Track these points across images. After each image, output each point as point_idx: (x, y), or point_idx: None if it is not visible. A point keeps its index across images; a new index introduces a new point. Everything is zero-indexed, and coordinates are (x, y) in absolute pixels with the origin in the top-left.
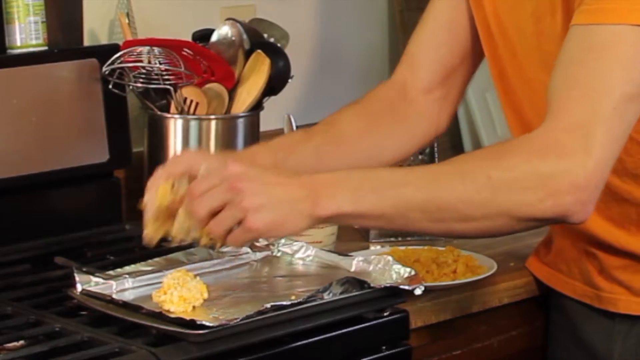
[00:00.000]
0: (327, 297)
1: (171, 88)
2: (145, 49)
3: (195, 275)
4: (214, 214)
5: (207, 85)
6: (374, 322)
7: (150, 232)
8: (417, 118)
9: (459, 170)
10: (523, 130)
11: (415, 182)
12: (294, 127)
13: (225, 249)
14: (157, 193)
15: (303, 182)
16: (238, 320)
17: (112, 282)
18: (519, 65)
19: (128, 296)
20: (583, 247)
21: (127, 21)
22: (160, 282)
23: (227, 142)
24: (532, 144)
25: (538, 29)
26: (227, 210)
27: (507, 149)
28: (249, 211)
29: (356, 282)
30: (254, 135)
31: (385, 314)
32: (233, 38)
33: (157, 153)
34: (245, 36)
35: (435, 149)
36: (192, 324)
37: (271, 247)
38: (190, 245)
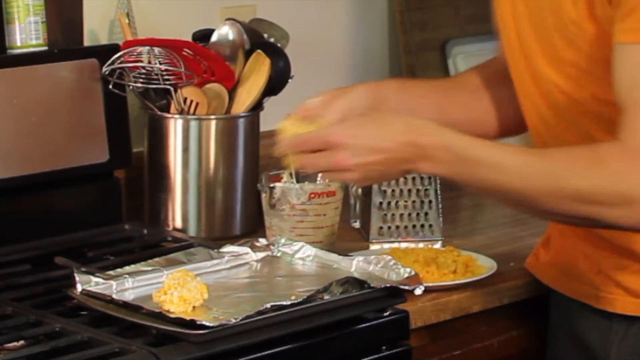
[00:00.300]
0: (327, 297)
1: (171, 88)
2: (145, 49)
3: (196, 276)
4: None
5: (207, 85)
6: (374, 322)
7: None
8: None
9: (551, 173)
10: (540, 128)
11: (509, 174)
12: None
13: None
14: (281, 128)
15: (406, 146)
16: (238, 320)
17: (112, 282)
18: (527, 57)
19: (128, 296)
20: (582, 247)
21: (127, 21)
22: (160, 282)
23: (227, 142)
24: (618, 163)
25: (551, 24)
26: (332, 175)
27: (594, 160)
28: (352, 179)
29: (356, 282)
30: (254, 135)
31: (385, 314)
32: (233, 38)
33: (157, 153)
34: (245, 36)
35: None
36: (192, 324)
37: (271, 247)
38: (190, 245)
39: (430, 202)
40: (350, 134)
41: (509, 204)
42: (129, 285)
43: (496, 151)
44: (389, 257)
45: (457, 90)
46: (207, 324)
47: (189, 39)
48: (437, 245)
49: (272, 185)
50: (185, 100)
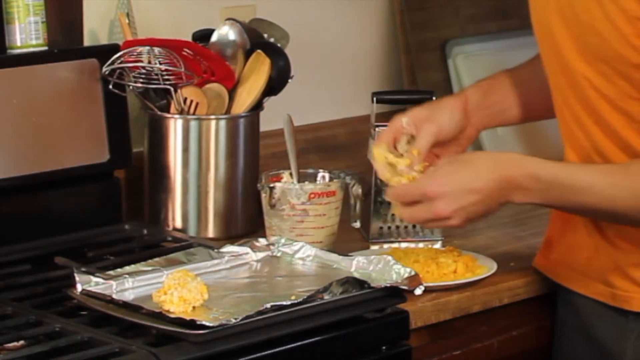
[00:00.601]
0: (327, 297)
1: (171, 88)
2: (145, 49)
3: (196, 276)
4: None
5: (207, 85)
6: (374, 322)
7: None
8: None
9: (636, 191)
10: (569, 120)
11: (597, 195)
12: (294, 127)
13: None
14: (373, 154)
15: (497, 182)
16: (238, 320)
17: (112, 282)
18: (558, 54)
19: (128, 296)
20: (597, 244)
21: (127, 21)
22: (160, 282)
23: (227, 142)
24: None
25: (584, 20)
26: (433, 224)
27: None
28: (453, 225)
29: (356, 282)
30: (254, 136)
31: (385, 314)
32: (233, 38)
33: (157, 153)
34: (245, 36)
35: None
36: (192, 324)
37: (271, 247)
38: (190, 245)
39: None
40: (443, 182)
41: (602, 220)
42: (129, 285)
43: (583, 174)
44: (389, 257)
45: (529, 81)
46: (207, 324)
47: (189, 39)
48: (437, 245)
49: (272, 185)
50: (185, 100)
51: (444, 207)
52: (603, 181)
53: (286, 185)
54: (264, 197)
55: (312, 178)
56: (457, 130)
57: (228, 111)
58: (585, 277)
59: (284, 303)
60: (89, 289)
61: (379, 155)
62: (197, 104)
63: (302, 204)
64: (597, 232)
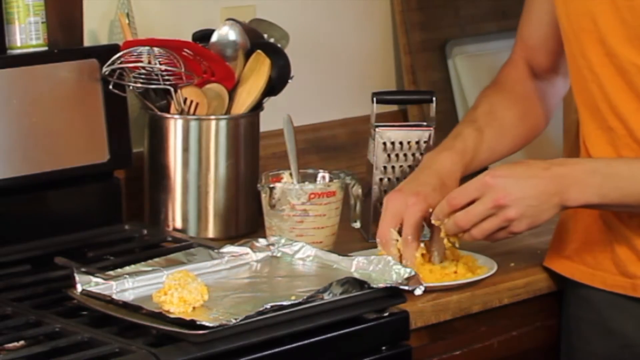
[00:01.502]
0: (327, 297)
1: (171, 88)
2: (145, 49)
3: (196, 277)
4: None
5: (207, 86)
6: (374, 322)
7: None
8: (540, 98)
9: None
10: (603, 108)
11: None
12: (294, 127)
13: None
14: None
15: (553, 178)
16: (238, 320)
17: (112, 283)
18: (601, 42)
19: (128, 296)
20: (615, 237)
21: (127, 21)
22: (160, 283)
23: (227, 142)
24: None
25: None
26: (491, 221)
27: None
28: (512, 221)
29: (356, 282)
30: (254, 136)
31: (385, 315)
32: (233, 38)
33: (157, 153)
34: (245, 36)
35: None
36: (192, 324)
37: (271, 247)
38: (190, 246)
39: None
40: (499, 174)
41: None
42: (129, 285)
43: (634, 162)
44: (389, 257)
45: (500, 138)
46: (207, 324)
47: (189, 39)
48: None
49: (272, 185)
50: (185, 100)
51: (503, 194)
52: None
53: (286, 186)
54: (264, 197)
55: (312, 178)
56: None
57: (228, 111)
58: (602, 272)
59: (284, 303)
60: (89, 289)
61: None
62: (197, 104)
63: (302, 204)
64: (611, 227)
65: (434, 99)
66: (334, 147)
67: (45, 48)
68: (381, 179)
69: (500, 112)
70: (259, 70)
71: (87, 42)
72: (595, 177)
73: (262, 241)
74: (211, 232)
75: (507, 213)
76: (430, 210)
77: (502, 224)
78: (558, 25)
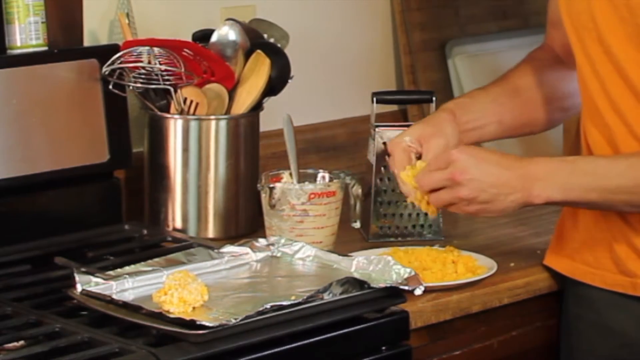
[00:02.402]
0: (327, 297)
1: (171, 88)
2: (145, 49)
3: (196, 277)
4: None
5: (207, 86)
6: (374, 322)
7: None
8: (565, 81)
9: None
10: (604, 108)
11: (618, 177)
12: (294, 127)
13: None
14: (401, 179)
15: (518, 174)
16: (238, 320)
17: (112, 283)
18: (600, 40)
19: (128, 296)
20: (614, 236)
21: (127, 21)
22: (160, 283)
23: (227, 142)
24: None
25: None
26: (446, 193)
27: None
28: (463, 200)
29: (356, 282)
30: (254, 136)
31: (385, 314)
32: (233, 38)
33: (157, 153)
34: (245, 36)
35: None
36: (192, 324)
37: (271, 247)
38: (190, 246)
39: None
40: (467, 151)
41: (624, 208)
42: (129, 285)
43: (602, 160)
44: (389, 257)
45: (509, 98)
46: (207, 324)
47: (189, 39)
48: (437, 246)
49: (272, 185)
50: (185, 100)
51: (462, 171)
52: (620, 163)
53: (286, 186)
54: (264, 197)
55: (312, 178)
56: (458, 143)
57: (228, 111)
58: (602, 270)
59: (284, 303)
60: (89, 289)
61: (408, 177)
62: (197, 104)
63: (302, 204)
64: (611, 226)
65: (433, 99)
66: (334, 147)
67: (45, 48)
68: (381, 179)
69: (514, 78)
70: (259, 70)
71: (87, 42)
72: (559, 175)
73: (262, 241)
74: (211, 232)
75: (460, 191)
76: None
77: (454, 200)
78: None
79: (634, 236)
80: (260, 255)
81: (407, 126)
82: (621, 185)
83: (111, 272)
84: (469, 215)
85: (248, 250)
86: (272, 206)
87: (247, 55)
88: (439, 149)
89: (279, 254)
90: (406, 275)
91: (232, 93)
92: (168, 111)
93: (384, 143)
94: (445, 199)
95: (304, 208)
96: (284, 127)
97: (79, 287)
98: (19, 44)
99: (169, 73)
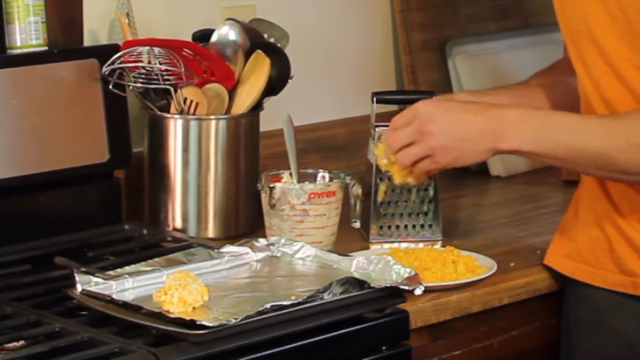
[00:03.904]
0: (327, 297)
1: (171, 88)
2: (145, 49)
3: (197, 277)
4: (406, 146)
5: (207, 86)
6: (374, 322)
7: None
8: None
9: (627, 129)
10: (601, 108)
11: (589, 134)
12: (294, 127)
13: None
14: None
15: (489, 117)
16: (238, 320)
17: (112, 282)
18: (594, 41)
19: (128, 296)
20: (615, 235)
21: (127, 21)
22: (160, 282)
23: (227, 142)
24: None
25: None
26: (416, 146)
27: None
28: (435, 149)
29: (356, 282)
30: (254, 136)
31: (385, 314)
32: (233, 38)
33: (157, 153)
34: (245, 36)
35: None
36: (192, 324)
37: (271, 247)
38: (190, 245)
39: (430, 202)
40: (433, 103)
41: (588, 170)
42: (129, 285)
43: (574, 116)
44: (389, 257)
45: (556, 87)
46: (207, 324)
47: (189, 39)
48: (437, 246)
49: (272, 185)
50: (185, 100)
51: (428, 120)
52: (591, 121)
53: (286, 185)
54: (264, 197)
55: (312, 178)
56: None
57: (228, 111)
58: (602, 270)
59: (284, 303)
60: (89, 289)
61: (380, 150)
62: (197, 104)
63: (302, 204)
64: (611, 226)
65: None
66: (334, 147)
67: (45, 48)
68: (381, 179)
69: (531, 79)
70: (259, 70)
71: (87, 42)
72: (533, 121)
73: (262, 241)
74: (211, 232)
75: (431, 140)
76: None
77: (426, 151)
78: None
79: (634, 236)
80: (260, 255)
81: None
82: (590, 144)
83: (111, 272)
84: (442, 168)
85: (248, 250)
86: (272, 206)
87: (247, 55)
88: None
89: (279, 254)
90: (406, 275)
91: (232, 93)
92: (168, 111)
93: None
94: (415, 152)
95: (304, 208)
96: (284, 127)
97: (79, 287)
98: (19, 44)
99: (169, 73)
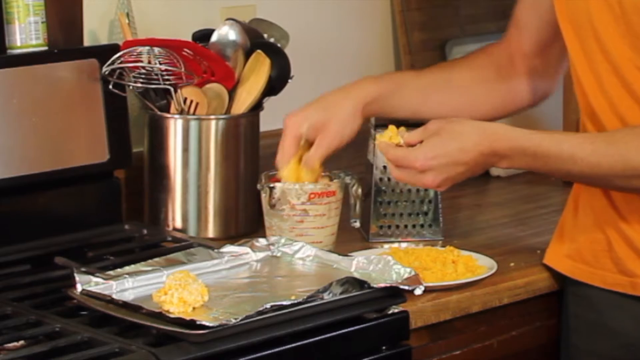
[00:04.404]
0: (327, 297)
1: (171, 88)
2: (145, 49)
3: (197, 278)
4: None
5: (207, 86)
6: (374, 322)
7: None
8: (516, 82)
9: (620, 156)
10: (603, 104)
11: (580, 164)
12: None
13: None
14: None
15: (483, 155)
16: (238, 320)
17: (112, 282)
18: (597, 39)
19: (128, 296)
20: (614, 235)
21: (127, 21)
22: (160, 282)
23: (227, 142)
24: None
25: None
26: (411, 179)
27: None
28: (430, 186)
29: (356, 282)
30: (254, 136)
31: (385, 314)
32: (233, 38)
33: (157, 153)
34: (245, 36)
35: None
36: (192, 324)
37: (271, 247)
38: (190, 245)
39: (430, 202)
40: (431, 156)
41: (587, 185)
42: (129, 285)
43: (567, 144)
44: (389, 257)
45: (440, 90)
46: (207, 324)
47: (189, 39)
48: (437, 246)
49: (272, 185)
50: (185, 100)
51: (432, 179)
52: (586, 150)
53: (286, 185)
54: (264, 197)
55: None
56: (354, 137)
57: (228, 111)
58: (601, 270)
59: (284, 303)
60: (89, 289)
61: (289, 177)
62: (197, 104)
63: (302, 204)
64: (612, 225)
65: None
66: None
67: (45, 48)
68: (381, 179)
69: (451, 71)
70: (259, 70)
71: (87, 42)
72: (525, 156)
73: (262, 241)
74: (211, 232)
75: (438, 189)
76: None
77: (421, 185)
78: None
79: (633, 236)
80: (260, 255)
81: (407, 126)
82: (584, 171)
83: (111, 272)
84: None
85: (248, 250)
86: (272, 206)
87: (247, 55)
88: (325, 149)
89: (279, 254)
90: (406, 275)
91: (232, 93)
92: (168, 111)
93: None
94: (410, 181)
95: (304, 208)
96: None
97: (79, 287)
98: (19, 44)
99: (169, 73)
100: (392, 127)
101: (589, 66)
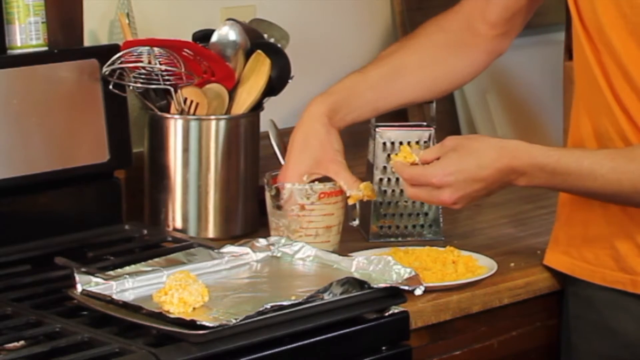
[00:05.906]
0: (327, 297)
1: (171, 88)
2: (145, 49)
3: (197, 278)
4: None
5: (207, 86)
6: (374, 322)
7: None
8: (477, 49)
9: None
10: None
11: (600, 181)
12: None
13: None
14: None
15: (500, 172)
16: (238, 320)
17: (113, 283)
18: (604, 35)
19: (128, 296)
20: (615, 234)
21: (127, 21)
22: (160, 283)
23: (227, 142)
24: None
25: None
26: (427, 197)
27: None
28: (446, 202)
29: (356, 282)
30: (254, 136)
31: (385, 315)
32: (233, 38)
33: (157, 153)
34: (245, 36)
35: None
36: (192, 324)
37: (271, 247)
38: (190, 246)
39: None
40: (449, 172)
41: (606, 202)
42: (129, 285)
43: (586, 160)
44: (389, 257)
45: (391, 80)
46: (207, 324)
47: (189, 39)
48: (437, 246)
49: (280, 185)
50: (185, 100)
51: (448, 195)
52: (606, 166)
53: (295, 186)
54: (270, 197)
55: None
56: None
57: (228, 111)
58: (601, 268)
59: (284, 303)
60: (89, 289)
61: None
62: (197, 104)
63: (312, 204)
64: (611, 223)
65: (433, 102)
66: None
67: (45, 48)
68: (381, 179)
69: (399, 57)
70: (259, 70)
71: (87, 42)
72: (543, 173)
73: (262, 241)
74: (211, 232)
75: (454, 207)
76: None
77: (437, 203)
78: None
79: (634, 234)
80: (261, 255)
81: (407, 126)
82: (604, 187)
83: (111, 272)
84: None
85: (248, 250)
86: (280, 207)
87: (247, 55)
88: (341, 164)
89: (279, 254)
90: (406, 276)
91: (232, 93)
92: (168, 111)
93: (388, 155)
94: (425, 199)
95: (314, 208)
96: (269, 132)
97: (79, 287)
98: (19, 44)
99: (169, 73)
100: (404, 147)
101: (597, 60)
